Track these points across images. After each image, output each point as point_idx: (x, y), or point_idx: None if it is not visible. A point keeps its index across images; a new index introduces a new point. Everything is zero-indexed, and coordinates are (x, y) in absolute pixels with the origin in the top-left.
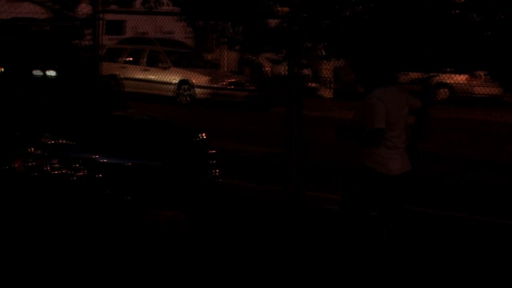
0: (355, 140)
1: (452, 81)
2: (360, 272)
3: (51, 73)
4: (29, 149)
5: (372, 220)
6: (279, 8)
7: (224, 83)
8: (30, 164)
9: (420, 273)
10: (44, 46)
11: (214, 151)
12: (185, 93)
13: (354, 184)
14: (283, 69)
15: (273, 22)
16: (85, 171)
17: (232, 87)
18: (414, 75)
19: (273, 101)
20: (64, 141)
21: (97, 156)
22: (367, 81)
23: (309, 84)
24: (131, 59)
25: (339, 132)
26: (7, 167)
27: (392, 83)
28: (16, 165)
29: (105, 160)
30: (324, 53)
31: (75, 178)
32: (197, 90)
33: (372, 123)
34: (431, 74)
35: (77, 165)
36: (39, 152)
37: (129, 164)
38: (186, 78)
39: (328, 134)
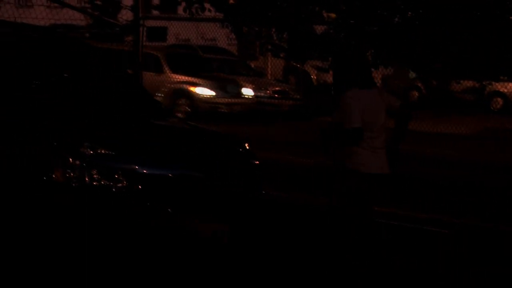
0: (337, 142)
1: (506, 90)
2: (360, 272)
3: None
4: (68, 159)
5: (371, 220)
6: (326, 14)
7: (268, 91)
8: (69, 174)
9: (419, 274)
10: (82, 53)
11: (258, 162)
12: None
13: (344, 187)
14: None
15: (319, 29)
16: (125, 182)
17: (277, 95)
18: (467, 83)
19: (319, 111)
20: (104, 151)
21: (137, 167)
22: (345, 81)
23: None
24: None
25: (323, 135)
26: (45, 178)
27: (368, 85)
28: (55, 176)
29: (145, 171)
30: (371, 61)
31: (115, 189)
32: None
33: (349, 122)
34: (486, 82)
35: (117, 176)
36: (79, 162)
37: (170, 174)
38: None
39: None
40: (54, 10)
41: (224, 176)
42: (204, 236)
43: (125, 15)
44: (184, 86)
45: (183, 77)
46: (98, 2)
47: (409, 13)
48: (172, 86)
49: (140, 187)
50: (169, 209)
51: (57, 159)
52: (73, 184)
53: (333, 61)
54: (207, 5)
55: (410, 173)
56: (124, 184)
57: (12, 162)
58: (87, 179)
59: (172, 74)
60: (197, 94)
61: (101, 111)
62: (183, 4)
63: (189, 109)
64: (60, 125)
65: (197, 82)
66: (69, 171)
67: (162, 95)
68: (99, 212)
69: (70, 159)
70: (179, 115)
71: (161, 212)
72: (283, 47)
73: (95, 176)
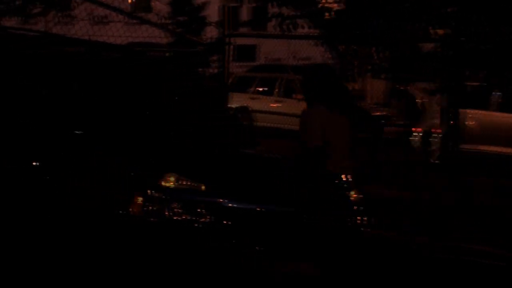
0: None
1: None
2: None
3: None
4: (148, 192)
5: None
6: (433, 31)
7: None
8: (149, 208)
9: None
10: (164, 74)
11: (358, 195)
12: None
13: None
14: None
15: (425, 47)
16: (209, 217)
17: (379, 121)
18: None
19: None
20: (186, 183)
21: (223, 201)
22: (311, 97)
23: None
24: (263, 89)
25: (298, 161)
26: (123, 211)
27: (334, 104)
28: (134, 209)
29: (231, 205)
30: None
31: (197, 225)
32: None
33: (309, 141)
34: None
35: (200, 210)
36: (159, 195)
37: (259, 209)
38: None
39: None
40: (132, 27)
41: (319, 211)
42: (294, 276)
43: (210, 33)
44: None
45: None
46: (181, 18)
47: None
48: None
49: (225, 222)
50: (256, 247)
51: (135, 192)
52: (152, 219)
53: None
54: (300, 22)
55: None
56: (208, 220)
57: (88, 193)
58: (167, 213)
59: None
60: None
61: (185, 139)
62: (274, 20)
63: None
64: (140, 154)
65: None
66: (148, 204)
67: None
68: (180, 250)
69: (150, 191)
70: None
71: (248, 250)
72: (384, 67)
73: (176, 210)
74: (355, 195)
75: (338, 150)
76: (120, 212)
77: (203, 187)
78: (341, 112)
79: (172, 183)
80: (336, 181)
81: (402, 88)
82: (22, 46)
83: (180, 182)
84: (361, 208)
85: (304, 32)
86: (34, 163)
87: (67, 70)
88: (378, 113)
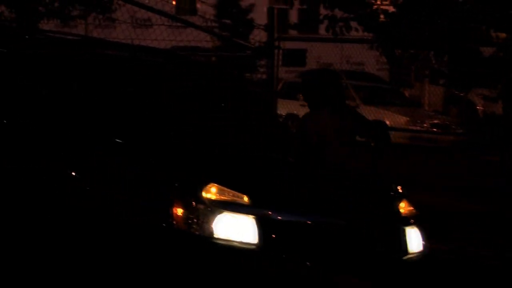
0: None
1: None
2: None
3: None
4: (191, 203)
5: None
6: (495, 34)
7: (426, 124)
8: (191, 220)
9: None
10: (209, 80)
11: (411, 208)
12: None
13: None
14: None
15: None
16: (257, 230)
17: (435, 129)
18: None
19: (486, 147)
20: (231, 195)
21: (271, 213)
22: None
23: None
24: None
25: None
26: (164, 224)
27: (336, 108)
28: (175, 222)
29: (280, 217)
30: None
31: (244, 239)
32: (393, 133)
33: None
34: None
35: (246, 224)
36: (202, 206)
37: (309, 222)
38: (379, 119)
39: None
40: (176, 31)
41: (370, 224)
42: None
43: (258, 36)
44: None
45: None
46: (227, 21)
47: None
48: None
49: (274, 236)
50: (307, 262)
51: (178, 203)
52: (196, 233)
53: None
54: (353, 24)
55: None
56: (256, 232)
57: (127, 204)
58: (212, 226)
59: None
60: None
61: (231, 146)
62: (326, 22)
63: None
64: (183, 162)
65: None
66: (192, 216)
67: None
68: (226, 265)
69: (193, 203)
70: None
71: (298, 266)
72: (443, 72)
73: (221, 223)
74: (405, 207)
75: (338, 153)
76: (160, 224)
77: (246, 199)
78: (342, 116)
79: (214, 195)
80: (391, 193)
81: (461, 94)
82: (61, 50)
83: (222, 193)
84: (412, 221)
85: (358, 36)
86: (71, 172)
87: (108, 75)
88: (435, 121)
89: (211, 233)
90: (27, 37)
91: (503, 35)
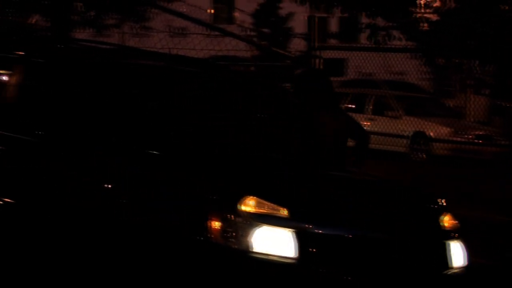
0: None
1: None
2: None
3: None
4: (228, 216)
5: None
6: None
7: (470, 136)
8: (228, 234)
9: None
10: (248, 90)
11: (455, 221)
12: (420, 148)
13: None
14: None
15: None
16: (295, 243)
17: (480, 141)
18: None
19: None
20: (270, 207)
21: (310, 226)
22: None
23: None
24: (353, 106)
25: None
26: (200, 238)
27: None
28: (212, 235)
29: (319, 231)
30: None
31: (282, 253)
32: (435, 145)
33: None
34: None
35: (285, 237)
36: (240, 220)
37: (349, 236)
38: (421, 130)
39: None
40: (214, 40)
41: (413, 238)
42: None
43: (298, 45)
44: None
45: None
46: (266, 31)
47: None
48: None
49: (313, 250)
50: (348, 277)
51: (215, 216)
52: (234, 246)
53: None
54: (395, 33)
55: None
56: (295, 246)
57: (162, 217)
58: (249, 239)
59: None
60: None
61: (269, 158)
62: (367, 31)
63: None
64: (220, 174)
65: None
66: (229, 230)
67: None
68: (264, 280)
69: (231, 216)
70: None
71: (338, 281)
72: (488, 82)
73: (259, 236)
74: (448, 220)
75: (333, 154)
76: (196, 237)
77: (285, 212)
78: (334, 116)
79: (252, 207)
80: (434, 206)
81: (507, 105)
82: (95, 59)
83: (261, 206)
84: (455, 234)
85: (400, 45)
86: (105, 185)
87: (145, 86)
88: (479, 132)
89: (249, 247)
90: (60, 46)
91: None
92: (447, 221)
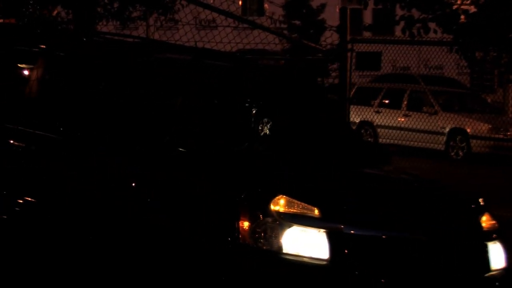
0: None
1: None
2: None
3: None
4: (258, 216)
5: None
6: None
7: (509, 133)
8: (258, 234)
9: None
10: (277, 84)
11: (494, 221)
12: (458, 146)
13: None
14: None
15: None
16: (327, 245)
17: None
18: None
19: None
20: (301, 207)
21: (342, 226)
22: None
23: None
24: (387, 101)
25: None
26: (229, 238)
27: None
28: (241, 236)
29: (352, 232)
30: None
31: (314, 254)
32: (474, 142)
33: None
34: None
35: (318, 238)
36: (270, 220)
37: (384, 237)
38: (459, 126)
39: None
40: (242, 32)
41: (452, 239)
42: None
43: (330, 38)
44: None
45: None
46: (297, 22)
47: None
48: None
49: (346, 251)
50: (382, 280)
51: (244, 216)
52: (264, 247)
53: None
54: (432, 25)
55: None
56: (327, 247)
57: (189, 217)
58: (280, 240)
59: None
60: None
61: (301, 156)
62: (402, 23)
63: None
64: (249, 172)
65: None
66: (259, 230)
67: None
68: (295, 282)
69: (261, 215)
70: None
71: (372, 283)
72: None
73: (290, 237)
74: (487, 221)
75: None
76: (225, 238)
77: (317, 211)
78: None
79: (282, 207)
80: (473, 206)
81: None
82: (121, 53)
83: (291, 205)
84: (494, 235)
85: (437, 38)
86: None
87: (171, 81)
88: None
89: (280, 248)
90: (84, 39)
91: None
92: (486, 221)
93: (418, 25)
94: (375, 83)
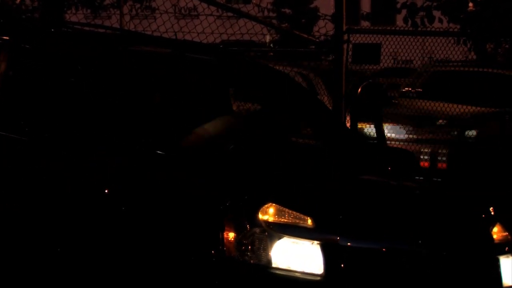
0: None
1: None
2: None
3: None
4: (245, 226)
5: None
6: None
7: None
8: (245, 247)
9: None
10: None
11: (506, 233)
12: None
13: None
14: None
15: None
16: (322, 258)
17: None
18: None
19: None
20: (292, 216)
21: (338, 238)
22: None
23: None
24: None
25: None
26: (213, 251)
27: None
28: (226, 248)
29: (349, 244)
30: None
31: (307, 269)
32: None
33: None
34: None
35: (311, 250)
36: (258, 230)
37: (383, 249)
38: None
39: None
40: (227, 22)
41: (458, 252)
42: None
43: (324, 28)
44: None
45: None
46: (287, 11)
47: None
48: None
49: (342, 265)
50: None
51: (229, 226)
52: (251, 261)
53: None
54: (436, 14)
55: None
56: (321, 261)
57: (169, 226)
58: (269, 253)
59: None
60: None
61: (292, 161)
62: (404, 12)
63: None
64: (236, 178)
65: None
66: (246, 242)
67: None
68: None
69: (248, 225)
70: None
71: None
72: None
73: (280, 249)
74: (498, 232)
75: None
76: (208, 251)
77: (310, 221)
78: None
79: (272, 216)
80: (476, 214)
81: None
82: (93, 47)
83: (282, 215)
84: (506, 248)
85: (443, 28)
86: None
87: (149, 77)
88: None
89: (269, 261)
90: (52, 30)
91: None
92: (497, 232)
93: (421, 13)
94: (374, 77)
